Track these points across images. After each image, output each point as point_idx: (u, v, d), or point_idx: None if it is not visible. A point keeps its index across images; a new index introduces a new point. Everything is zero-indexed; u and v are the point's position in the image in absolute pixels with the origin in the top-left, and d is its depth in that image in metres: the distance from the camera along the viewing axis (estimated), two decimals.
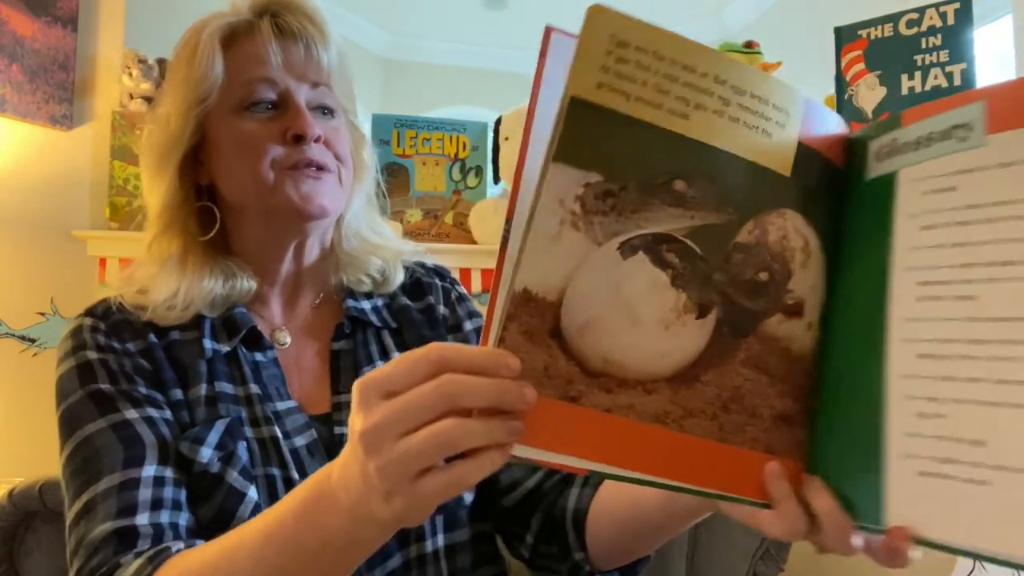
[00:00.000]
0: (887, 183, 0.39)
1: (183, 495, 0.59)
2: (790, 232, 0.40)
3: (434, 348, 0.35)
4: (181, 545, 0.53)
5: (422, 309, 0.76)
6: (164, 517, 0.56)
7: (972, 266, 0.34)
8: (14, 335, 1.63)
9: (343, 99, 0.71)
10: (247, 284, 0.68)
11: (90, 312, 0.66)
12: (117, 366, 0.62)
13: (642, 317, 0.37)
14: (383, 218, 0.80)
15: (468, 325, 0.77)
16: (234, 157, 0.65)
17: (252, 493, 0.59)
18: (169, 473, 0.59)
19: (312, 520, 0.42)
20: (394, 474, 0.35)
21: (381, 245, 0.76)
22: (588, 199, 0.36)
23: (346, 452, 0.39)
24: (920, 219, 0.37)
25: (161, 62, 1.69)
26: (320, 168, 0.65)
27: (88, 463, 0.57)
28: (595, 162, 0.36)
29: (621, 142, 0.36)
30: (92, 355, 0.62)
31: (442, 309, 0.77)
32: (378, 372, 0.36)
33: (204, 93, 0.64)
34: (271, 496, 0.59)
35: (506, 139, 1.74)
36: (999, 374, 0.33)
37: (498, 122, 1.78)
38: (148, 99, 1.68)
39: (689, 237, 0.38)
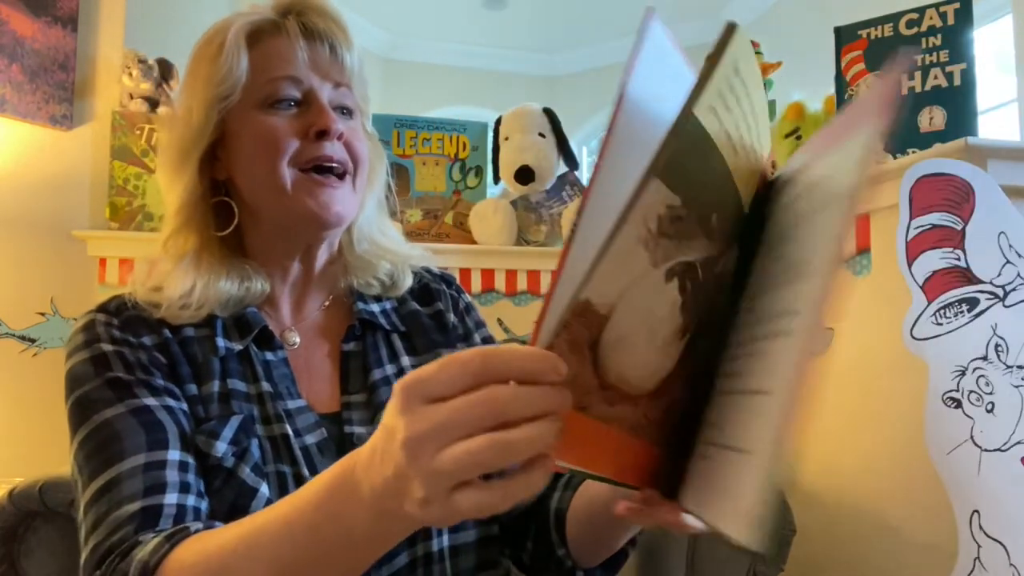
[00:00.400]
0: (765, 220, 0.44)
1: (203, 485, 0.59)
2: (730, 264, 0.42)
3: (479, 354, 0.34)
4: (200, 526, 0.53)
5: (431, 315, 0.78)
6: (190, 501, 0.56)
7: (764, 284, 0.41)
8: (14, 335, 1.63)
9: (361, 101, 0.72)
10: (261, 287, 0.69)
11: (103, 308, 0.66)
12: (133, 358, 0.62)
13: (657, 338, 0.37)
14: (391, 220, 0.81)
15: (477, 337, 0.79)
16: (253, 151, 0.66)
17: (264, 489, 0.59)
18: (192, 460, 0.59)
19: (333, 511, 0.41)
20: (434, 485, 0.34)
21: (390, 249, 0.77)
22: (665, 221, 0.34)
23: (377, 448, 0.37)
24: (766, 248, 0.43)
25: (161, 62, 1.69)
26: (341, 176, 0.67)
27: (108, 444, 0.57)
28: (681, 185, 0.33)
29: (703, 169, 0.35)
30: (107, 347, 0.62)
31: (452, 317, 0.78)
32: (422, 374, 0.35)
33: (228, 90, 0.65)
34: (282, 493, 0.60)
35: (506, 139, 1.74)
36: (736, 368, 0.39)
37: (498, 122, 1.78)
38: (148, 99, 1.68)
39: (702, 267, 0.38)
